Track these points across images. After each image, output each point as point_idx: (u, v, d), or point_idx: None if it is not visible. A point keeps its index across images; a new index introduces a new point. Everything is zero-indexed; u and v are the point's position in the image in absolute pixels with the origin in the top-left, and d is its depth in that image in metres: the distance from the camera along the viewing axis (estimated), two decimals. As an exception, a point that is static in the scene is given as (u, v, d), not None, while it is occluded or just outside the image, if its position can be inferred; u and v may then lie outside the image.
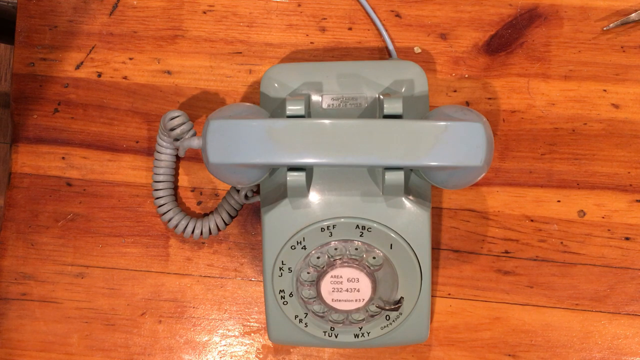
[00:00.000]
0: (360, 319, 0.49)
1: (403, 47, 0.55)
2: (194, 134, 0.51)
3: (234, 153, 0.44)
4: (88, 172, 0.55)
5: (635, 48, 0.54)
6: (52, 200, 0.55)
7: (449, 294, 0.54)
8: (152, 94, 0.55)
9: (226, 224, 0.54)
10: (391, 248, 0.47)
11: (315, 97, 0.49)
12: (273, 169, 0.49)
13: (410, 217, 0.47)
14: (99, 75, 0.55)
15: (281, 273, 0.48)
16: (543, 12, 0.54)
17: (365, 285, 0.46)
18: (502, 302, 0.54)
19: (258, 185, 0.52)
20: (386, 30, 0.54)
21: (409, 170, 0.49)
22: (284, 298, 0.48)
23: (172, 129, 0.50)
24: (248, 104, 0.50)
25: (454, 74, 0.54)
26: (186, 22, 0.55)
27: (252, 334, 0.55)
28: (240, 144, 0.43)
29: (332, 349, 0.54)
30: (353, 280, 0.46)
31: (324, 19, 0.55)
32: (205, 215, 0.55)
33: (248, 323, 0.55)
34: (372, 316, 0.49)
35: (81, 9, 0.55)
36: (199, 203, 0.55)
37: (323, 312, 0.48)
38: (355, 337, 0.49)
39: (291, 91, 0.49)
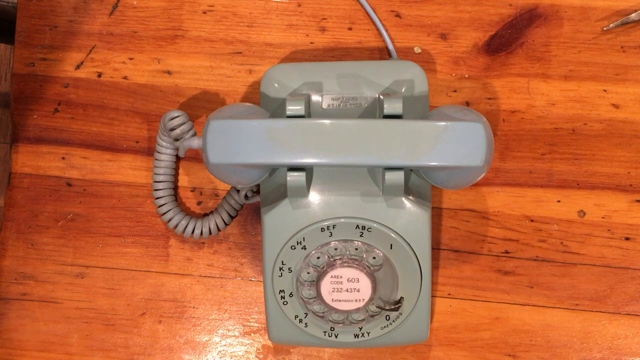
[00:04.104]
0: (360, 319, 0.49)
1: (403, 47, 0.55)
2: (194, 134, 0.51)
3: (234, 153, 0.44)
4: (88, 172, 0.55)
5: (635, 48, 0.54)
6: (52, 200, 0.55)
7: (449, 294, 0.54)
8: (152, 94, 0.55)
9: (226, 224, 0.54)
10: (391, 248, 0.47)
11: (315, 97, 0.49)
12: (273, 169, 0.49)
13: (410, 217, 0.47)
14: (99, 75, 0.55)
15: (281, 273, 0.48)
16: (543, 12, 0.54)
17: (365, 286, 0.46)
18: (502, 302, 0.54)
19: (258, 185, 0.52)
20: (386, 30, 0.54)
21: (409, 171, 0.49)
22: (284, 298, 0.48)
23: (172, 129, 0.50)
24: (248, 104, 0.50)
25: (454, 74, 0.54)
26: (186, 22, 0.55)
27: (252, 334, 0.55)
28: (240, 144, 0.43)
29: (332, 349, 0.54)
30: (353, 280, 0.46)
31: (324, 19, 0.55)
32: (205, 215, 0.55)
33: (248, 323, 0.55)
34: (372, 316, 0.49)
35: (81, 9, 0.55)
36: (199, 203, 0.55)
37: (323, 312, 0.48)
38: (355, 337, 0.49)
39: (291, 91, 0.49)
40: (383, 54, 0.55)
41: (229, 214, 0.53)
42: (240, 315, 0.55)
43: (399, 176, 0.45)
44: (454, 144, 0.43)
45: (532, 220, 0.54)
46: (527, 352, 0.54)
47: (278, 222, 0.47)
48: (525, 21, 0.54)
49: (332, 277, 0.46)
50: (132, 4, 0.55)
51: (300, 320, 0.49)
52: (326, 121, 0.43)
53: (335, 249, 0.47)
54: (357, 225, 0.47)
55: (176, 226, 0.53)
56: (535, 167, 0.54)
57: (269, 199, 0.49)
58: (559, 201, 0.54)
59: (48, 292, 0.55)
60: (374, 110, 0.49)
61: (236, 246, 0.55)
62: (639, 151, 0.54)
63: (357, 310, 0.47)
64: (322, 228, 0.47)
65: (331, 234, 0.47)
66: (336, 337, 0.49)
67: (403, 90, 0.49)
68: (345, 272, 0.46)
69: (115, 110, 0.55)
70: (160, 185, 0.53)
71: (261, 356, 0.55)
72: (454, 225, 0.54)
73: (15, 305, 0.55)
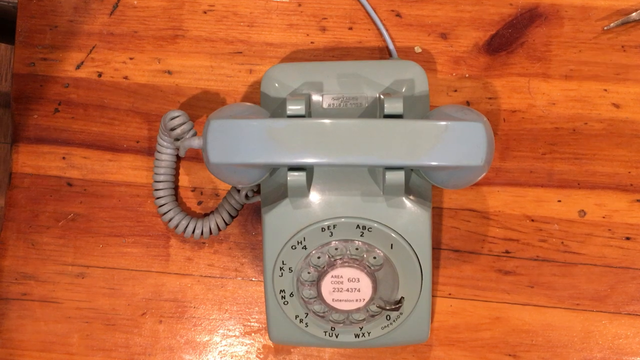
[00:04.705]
0: (360, 319, 0.49)
1: (403, 46, 0.54)
2: (195, 134, 0.51)
3: (234, 153, 0.44)
4: (88, 172, 0.55)
5: (636, 47, 0.54)
6: (52, 200, 0.55)
7: (450, 294, 0.54)
8: (153, 94, 0.55)
9: (227, 224, 0.54)
10: (392, 248, 0.47)
11: (315, 97, 0.49)
12: (274, 169, 0.49)
13: (410, 217, 0.47)
14: (100, 75, 0.55)
15: (282, 273, 0.48)
16: (544, 12, 0.54)
17: (365, 285, 0.46)
18: (503, 302, 0.54)
19: (259, 185, 0.52)
20: (386, 30, 0.54)
21: (409, 170, 0.49)
22: (284, 298, 0.48)
23: (173, 129, 0.50)
24: (248, 103, 0.50)
25: (454, 74, 0.54)
26: (186, 22, 0.55)
27: (253, 334, 0.55)
28: (240, 143, 0.43)
29: (332, 349, 0.54)
30: (353, 280, 0.46)
31: (325, 18, 0.55)
32: (206, 215, 0.55)
33: (249, 323, 0.55)
34: (373, 316, 0.49)
35: (81, 9, 0.55)
36: (199, 203, 0.55)
37: (323, 312, 0.48)
38: (355, 337, 0.49)
39: (291, 91, 0.49)
40: (383, 53, 0.55)
41: (229, 213, 0.53)
42: (240, 315, 0.55)
43: (400, 176, 0.45)
44: (455, 143, 0.43)
45: (532, 220, 0.54)
46: (528, 352, 0.54)
47: (278, 221, 0.47)
48: (526, 21, 0.54)
49: (332, 277, 0.46)
50: (133, 3, 0.55)
51: (301, 320, 0.49)
52: (327, 121, 0.43)
53: (336, 249, 0.47)
54: (358, 225, 0.47)
55: (177, 226, 0.53)
56: (535, 166, 0.54)
57: (270, 198, 0.49)
58: (559, 201, 0.54)
59: (48, 292, 0.55)
60: (374, 110, 0.49)
61: (237, 246, 0.55)
62: (640, 151, 0.54)
63: (358, 310, 0.47)
64: (322, 228, 0.47)
65: (332, 234, 0.47)
66: (337, 337, 0.49)
67: (403, 90, 0.49)
68: (346, 272, 0.46)
69: (115, 110, 0.55)
70: (160, 185, 0.53)
71: (262, 356, 0.55)
72: (454, 225, 0.54)
73: (15, 305, 0.55)
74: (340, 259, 0.47)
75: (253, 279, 0.55)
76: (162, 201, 0.53)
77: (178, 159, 0.55)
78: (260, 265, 0.55)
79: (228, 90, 0.55)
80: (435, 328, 0.54)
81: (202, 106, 0.55)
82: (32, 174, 0.55)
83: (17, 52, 0.55)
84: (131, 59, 0.55)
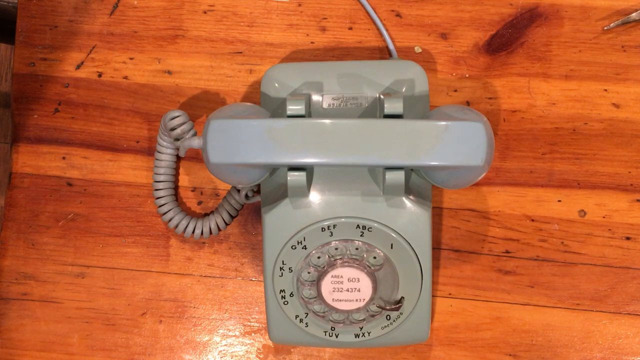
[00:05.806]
0: (360, 318, 0.49)
1: (403, 46, 0.54)
2: (195, 134, 0.51)
3: (234, 153, 0.44)
4: (88, 172, 0.55)
5: (636, 47, 0.54)
6: (52, 200, 0.55)
7: (450, 294, 0.54)
8: (153, 94, 0.55)
9: (227, 224, 0.54)
10: (392, 248, 0.47)
11: (315, 97, 0.49)
12: (274, 169, 0.49)
13: (410, 216, 0.47)
14: (100, 75, 0.55)
15: (282, 273, 0.48)
16: (544, 12, 0.54)
17: (365, 285, 0.46)
18: (503, 302, 0.54)
19: (259, 185, 0.52)
20: (386, 30, 0.54)
21: (409, 170, 0.49)
22: (284, 298, 0.48)
23: (173, 129, 0.50)
24: (248, 103, 0.50)
25: (454, 74, 0.54)
26: (186, 22, 0.55)
27: (253, 334, 0.55)
28: (240, 143, 0.43)
29: (332, 349, 0.54)
30: (353, 280, 0.46)
31: (325, 18, 0.55)
32: (206, 215, 0.55)
33: (249, 323, 0.55)
34: (373, 316, 0.49)
35: (82, 9, 0.55)
36: (199, 203, 0.55)
37: (323, 312, 0.48)
38: (355, 337, 0.49)
39: (292, 91, 0.49)
40: (383, 53, 0.55)
41: (229, 213, 0.53)
42: (240, 315, 0.55)
43: (400, 176, 0.45)
44: (455, 143, 0.43)
45: (532, 220, 0.54)
46: (528, 352, 0.54)
47: (278, 221, 0.47)
48: (526, 21, 0.54)
49: (332, 276, 0.46)
50: (133, 3, 0.55)
51: (301, 320, 0.49)
52: (327, 121, 0.43)
53: (336, 249, 0.47)
54: (358, 225, 0.47)
55: (177, 226, 0.53)
56: (535, 166, 0.54)
57: (270, 198, 0.49)
58: (559, 201, 0.54)
59: (49, 292, 0.55)
60: (374, 110, 0.49)
61: (237, 246, 0.55)
62: (640, 151, 0.54)
63: (358, 310, 0.47)
64: (322, 228, 0.47)
65: (332, 234, 0.47)
66: (337, 337, 0.49)
67: (403, 90, 0.49)
68: (346, 272, 0.46)
69: (115, 110, 0.55)
70: (160, 185, 0.53)
71: (262, 356, 0.55)
72: (454, 225, 0.54)
73: (15, 305, 0.55)
74: (340, 258, 0.47)
75: (253, 279, 0.55)
76: (162, 201, 0.53)
77: (178, 159, 0.55)
78: (260, 265, 0.55)
79: (228, 90, 0.55)
80: (435, 328, 0.54)
81: (202, 106, 0.55)
82: (32, 174, 0.55)
83: (17, 52, 0.55)
84: (131, 59, 0.55)
